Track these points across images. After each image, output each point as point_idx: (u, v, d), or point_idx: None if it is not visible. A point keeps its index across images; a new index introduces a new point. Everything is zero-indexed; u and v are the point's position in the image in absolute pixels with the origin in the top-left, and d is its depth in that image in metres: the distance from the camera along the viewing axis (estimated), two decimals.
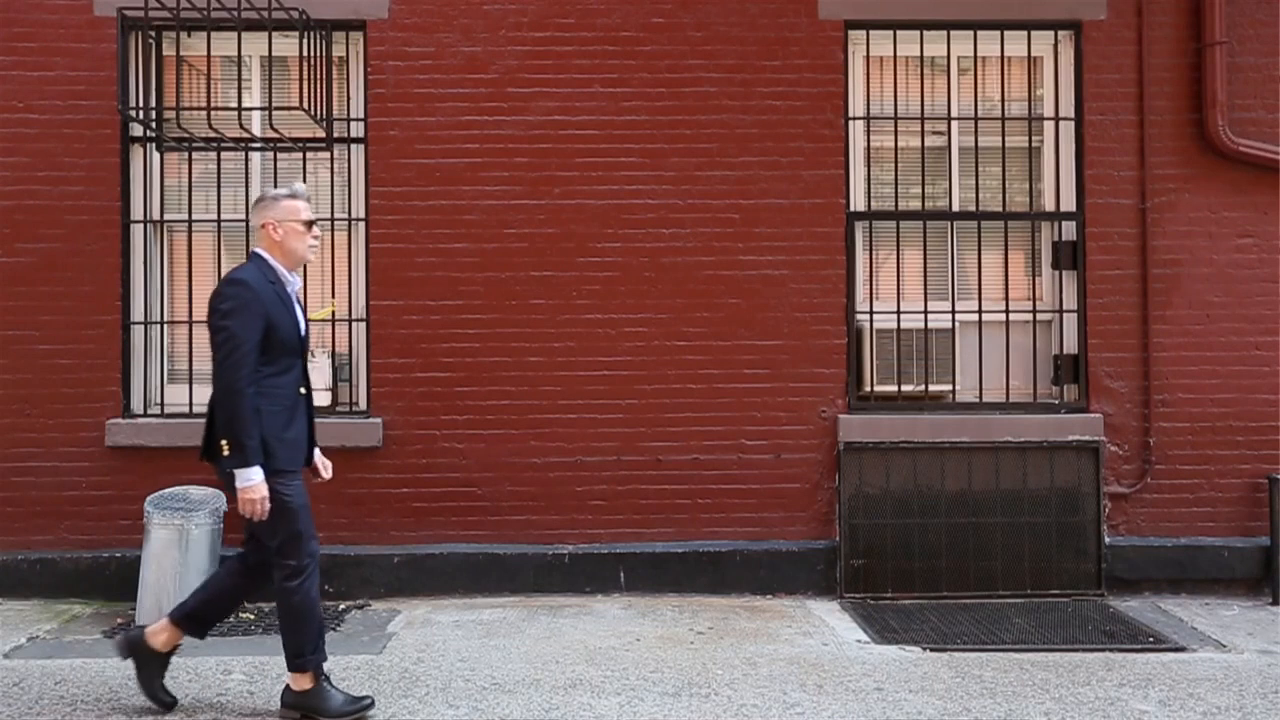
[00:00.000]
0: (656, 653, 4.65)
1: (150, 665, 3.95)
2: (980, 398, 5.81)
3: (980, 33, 5.80)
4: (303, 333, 3.92)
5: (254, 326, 3.70)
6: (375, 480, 5.58)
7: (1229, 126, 5.67)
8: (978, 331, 5.82)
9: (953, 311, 5.80)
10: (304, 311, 4.00)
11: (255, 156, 5.77)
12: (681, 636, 4.91)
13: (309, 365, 4.03)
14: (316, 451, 4.04)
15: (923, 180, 5.91)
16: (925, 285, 5.83)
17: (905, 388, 5.77)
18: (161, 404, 5.75)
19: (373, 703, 3.91)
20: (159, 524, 5.11)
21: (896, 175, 5.85)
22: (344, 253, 5.78)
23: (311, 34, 5.56)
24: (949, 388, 5.79)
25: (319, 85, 5.61)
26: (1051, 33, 5.88)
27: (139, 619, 5.10)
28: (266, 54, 5.49)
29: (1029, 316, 5.87)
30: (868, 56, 5.91)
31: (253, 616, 5.27)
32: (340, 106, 5.80)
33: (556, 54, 5.70)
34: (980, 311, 5.81)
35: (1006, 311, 5.80)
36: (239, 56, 5.45)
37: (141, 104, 5.66)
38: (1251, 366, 5.74)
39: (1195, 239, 5.76)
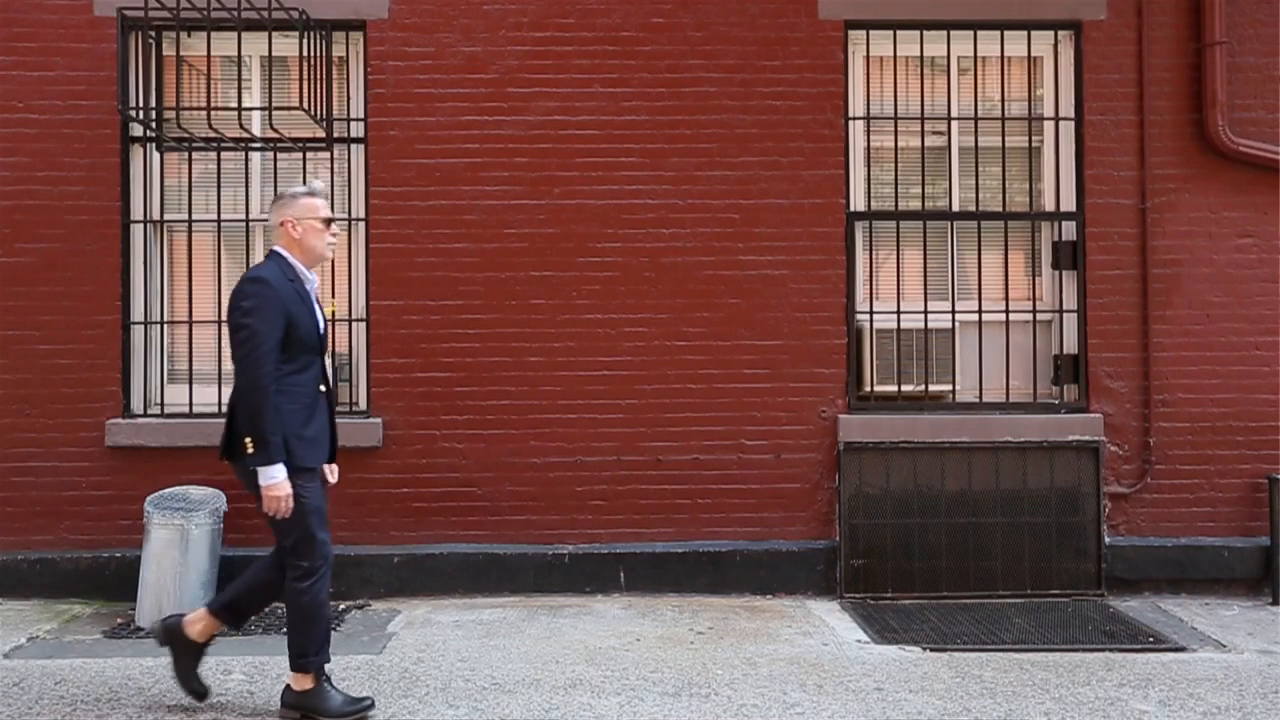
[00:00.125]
0: (656, 653, 4.65)
1: (185, 654, 3.97)
2: (980, 398, 5.81)
3: (980, 33, 5.80)
4: (322, 330, 3.93)
5: (275, 324, 3.71)
6: (375, 480, 5.58)
7: (1229, 126, 5.67)
8: (978, 331, 5.82)
9: (953, 311, 5.80)
10: (322, 309, 4.00)
11: (255, 156, 5.77)
12: (681, 636, 4.91)
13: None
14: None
15: (923, 180, 5.91)
16: (925, 285, 5.83)
17: (905, 388, 5.77)
18: (161, 404, 5.75)
19: (373, 703, 3.91)
20: (159, 524, 5.12)
21: (896, 175, 5.85)
22: (344, 253, 5.78)
23: (311, 34, 5.56)
24: (949, 388, 5.79)
25: (319, 85, 5.61)
26: (1051, 33, 5.88)
27: (139, 619, 5.11)
28: (266, 54, 5.49)
29: (1029, 316, 5.87)
30: (868, 56, 5.91)
31: (253, 616, 5.26)
32: (340, 106, 5.81)
33: (556, 54, 5.70)
34: (980, 311, 5.81)
35: (1006, 311, 5.80)
36: (239, 56, 5.45)
37: (141, 104, 5.66)
38: (1251, 366, 5.74)
39: (1195, 239, 5.76)
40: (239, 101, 5.42)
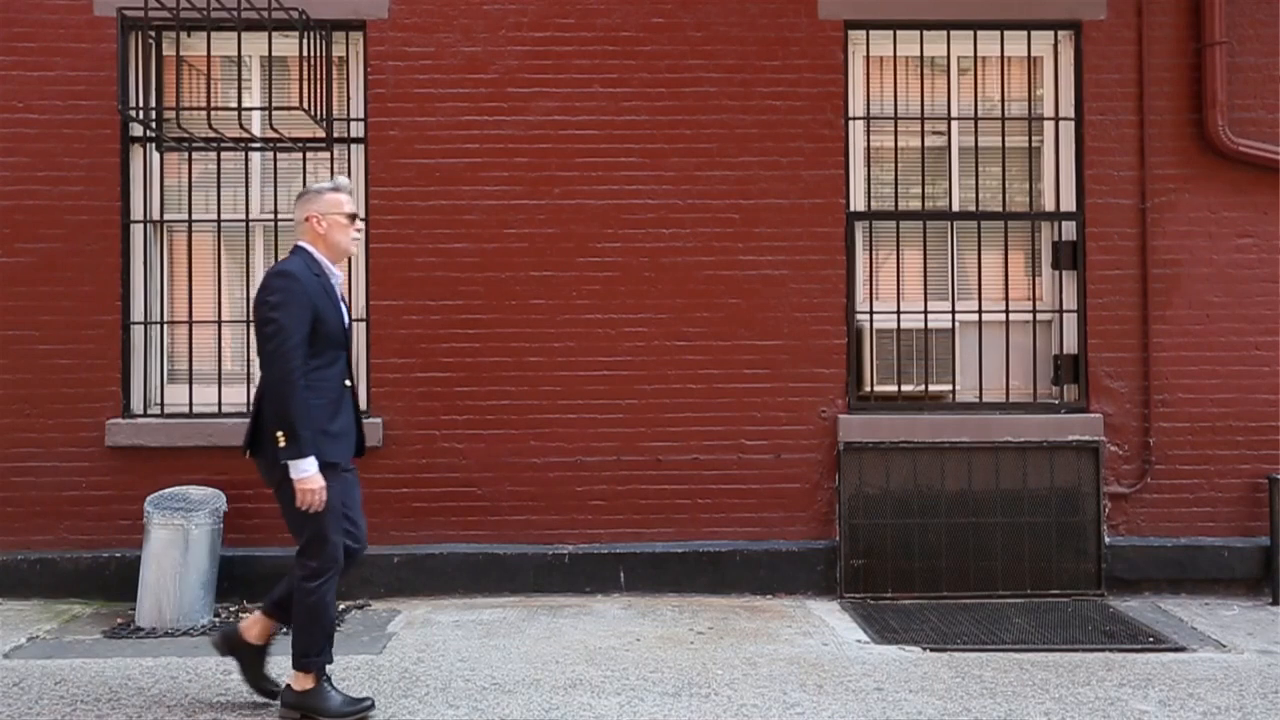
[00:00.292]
0: (656, 653, 4.65)
1: (250, 659, 3.99)
2: (980, 398, 5.81)
3: (980, 33, 5.80)
4: (347, 325, 3.93)
5: (302, 318, 3.71)
6: (375, 480, 5.56)
7: (1229, 126, 5.67)
8: (978, 331, 5.82)
9: (953, 311, 5.80)
10: (347, 304, 4.00)
11: (255, 156, 5.77)
12: (681, 636, 4.91)
13: None
14: None
15: (923, 180, 5.91)
16: (925, 285, 5.83)
17: (905, 388, 5.77)
18: (161, 404, 5.75)
19: (373, 704, 3.90)
20: (159, 524, 5.12)
21: (896, 175, 5.85)
22: None
23: (311, 34, 5.56)
24: (949, 388, 5.79)
25: (319, 85, 5.61)
26: (1051, 33, 5.88)
27: (139, 619, 5.11)
28: (266, 54, 5.49)
29: (1029, 316, 5.87)
30: (868, 56, 5.91)
31: None
32: (340, 106, 5.81)
33: (556, 54, 5.70)
34: (980, 311, 5.81)
35: (1006, 311, 5.80)
36: (239, 56, 5.45)
37: (141, 104, 5.66)
38: (1251, 366, 5.74)
39: (1195, 239, 5.76)
40: (239, 101, 5.42)
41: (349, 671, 4.32)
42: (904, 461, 5.64)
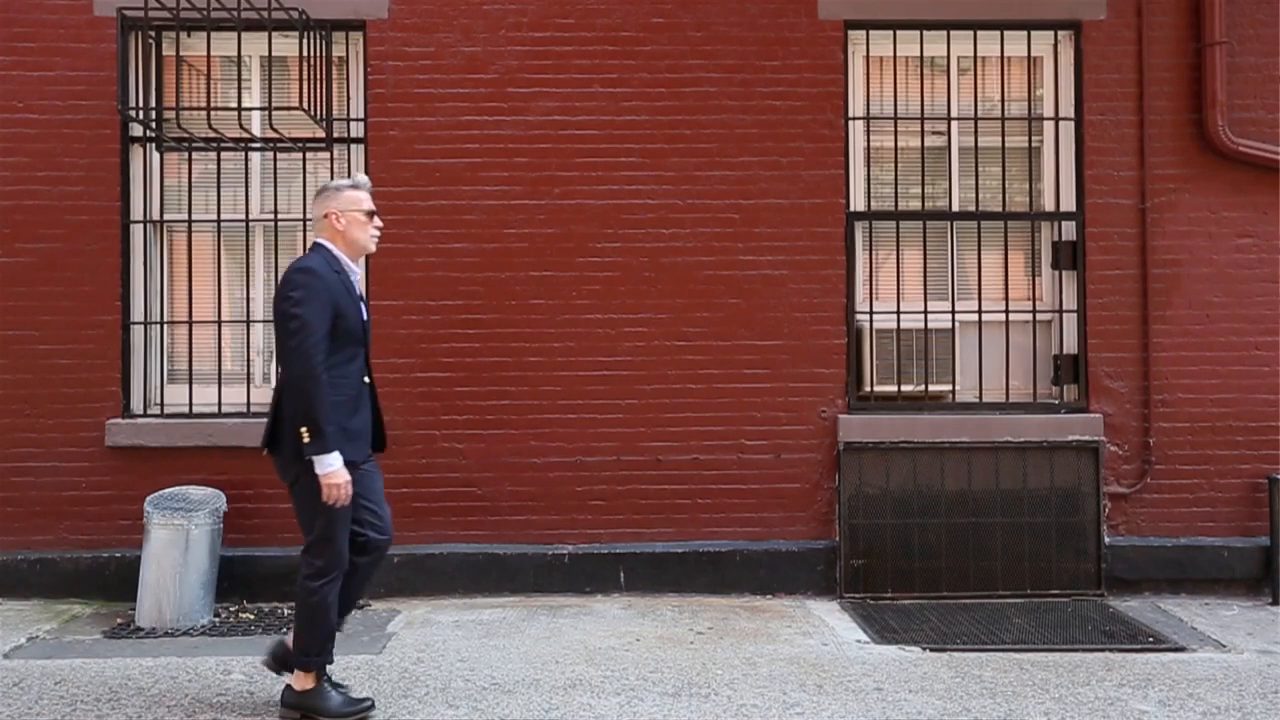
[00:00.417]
0: (656, 653, 4.65)
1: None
2: (980, 398, 5.81)
3: (980, 33, 5.80)
4: (366, 322, 3.92)
5: (324, 314, 3.70)
6: None
7: (1229, 126, 5.67)
8: (978, 331, 5.82)
9: (953, 311, 5.80)
10: (366, 302, 4.00)
11: (255, 156, 5.77)
12: (681, 636, 4.91)
13: None
14: None
15: (923, 180, 5.91)
16: (925, 285, 5.83)
17: (905, 388, 5.77)
18: (161, 404, 5.75)
19: (372, 704, 3.91)
20: (159, 524, 5.12)
21: (896, 175, 5.85)
22: None
23: (311, 34, 5.56)
24: (949, 388, 5.79)
25: (319, 85, 5.61)
26: (1051, 33, 5.88)
27: (139, 619, 5.11)
28: (266, 54, 5.49)
29: (1029, 316, 5.87)
30: (868, 56, 5.91)
31: (253, 616, 5.27)
32: (340, 106, 5.80)
33: (556, 54, 5.70)
34: (980, 311, 5.81)
35: (1006, 311, 5.80)
36: (239, 56, 5.45)
37: (141, 104, 5.66)
38: (1251, 366, 5.74)
39: (1195, 239, 5.76)
40: (239, 101, 5.42)
41: (349, 671, 4.32)
42: (904, 461, 5.64)
